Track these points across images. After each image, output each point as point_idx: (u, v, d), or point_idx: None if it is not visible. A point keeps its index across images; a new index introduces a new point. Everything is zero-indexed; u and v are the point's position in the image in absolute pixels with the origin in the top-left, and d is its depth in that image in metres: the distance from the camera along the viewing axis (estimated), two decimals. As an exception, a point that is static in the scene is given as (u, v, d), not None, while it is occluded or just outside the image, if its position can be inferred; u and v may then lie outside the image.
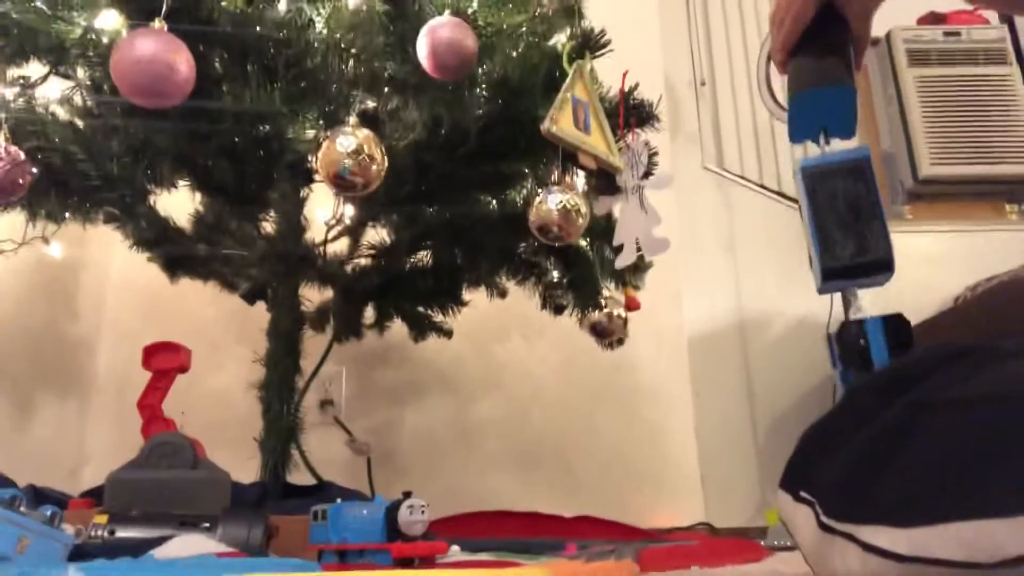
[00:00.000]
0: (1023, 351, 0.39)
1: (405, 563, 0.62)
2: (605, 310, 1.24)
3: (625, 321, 1.26)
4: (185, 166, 1.04)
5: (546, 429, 1.66)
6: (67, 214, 1.11)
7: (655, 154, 1.01)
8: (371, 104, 1.06)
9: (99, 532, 0.62)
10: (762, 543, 1.17)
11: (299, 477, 1.16)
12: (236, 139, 0.93)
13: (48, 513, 0.58)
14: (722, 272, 1.91)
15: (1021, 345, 0.40)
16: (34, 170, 0.90)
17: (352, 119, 0.85)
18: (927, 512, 0.36)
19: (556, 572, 0.55)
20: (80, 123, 0.98)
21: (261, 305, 1.24)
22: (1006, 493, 0.33)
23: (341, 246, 1.31)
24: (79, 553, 0.57)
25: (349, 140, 0.81)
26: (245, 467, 1.08)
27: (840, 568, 0.42)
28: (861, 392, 0.46)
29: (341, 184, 0.82)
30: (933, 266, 1.88)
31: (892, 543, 0.37)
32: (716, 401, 1.76)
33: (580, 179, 1.06)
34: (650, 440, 1.65)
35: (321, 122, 0.98)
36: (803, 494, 0.47)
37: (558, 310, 1.31)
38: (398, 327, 1.46)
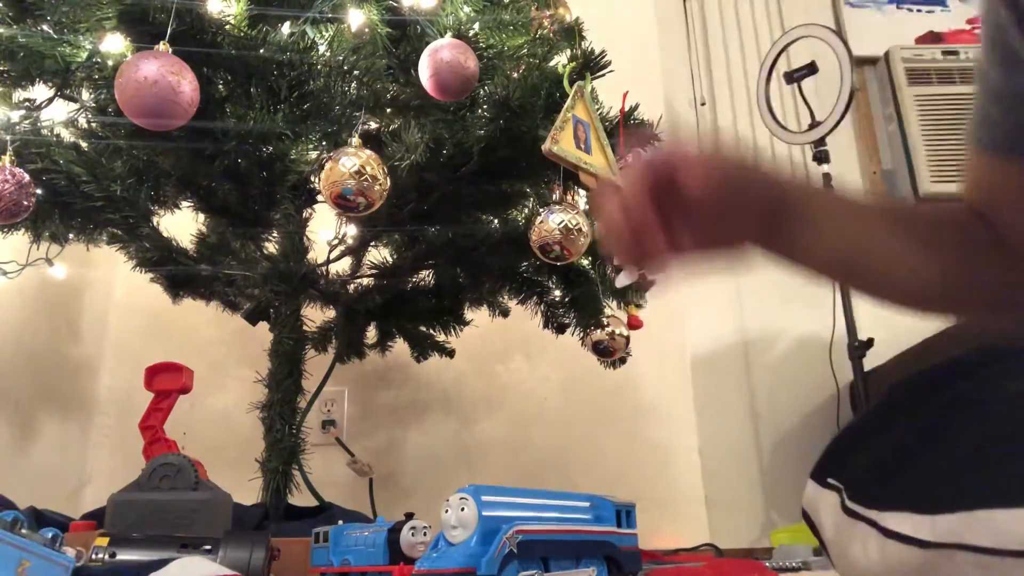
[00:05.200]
0: None
1: (408, 586, 0.61)
2: (607, 329, 1.24)
3: (627, 340, 1.26)
4: (188, 187, 1.05)
5: (548, 448, 1.65)
6: (71, 235, 1.12)
7: (656, 173, 1.01)
8: (373, 125, 1.07)
9: (100, 555, 0.61)
10: (767, 564, 1.16)
11: (301, 498, 1.15)
12: (239, 160, 0.94)
13: (49, 536, 0.58)
14: (724, 291, 1.91)
15: None
16: (39, 191, 0.90)
17: (354, 140, 0.86)
18: (957, 499, 0.35)
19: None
20: (84, 145, 0.98)
21: (263, 325, 1.24)
22: None
23: (343, 266, 1.31)
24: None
25: (351, 161, 0.81)
26: (247, 488, 1.07)
27: (860, 557, 0.41)
28: (901, 389, 0.45)
29: (343, 204, 0.83)
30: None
31: (915, 529, 0.37)
32: (720, 420, 1.76)
33: (582, 198, 1.06)
34: (654, 460, 1.64)
35: (323, 143, 0.99)
36: (831, 480, 0.47)
37: (560, 329, 1.31)
38: (400, 347, 1.45)
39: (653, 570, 0.73)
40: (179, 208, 1.14)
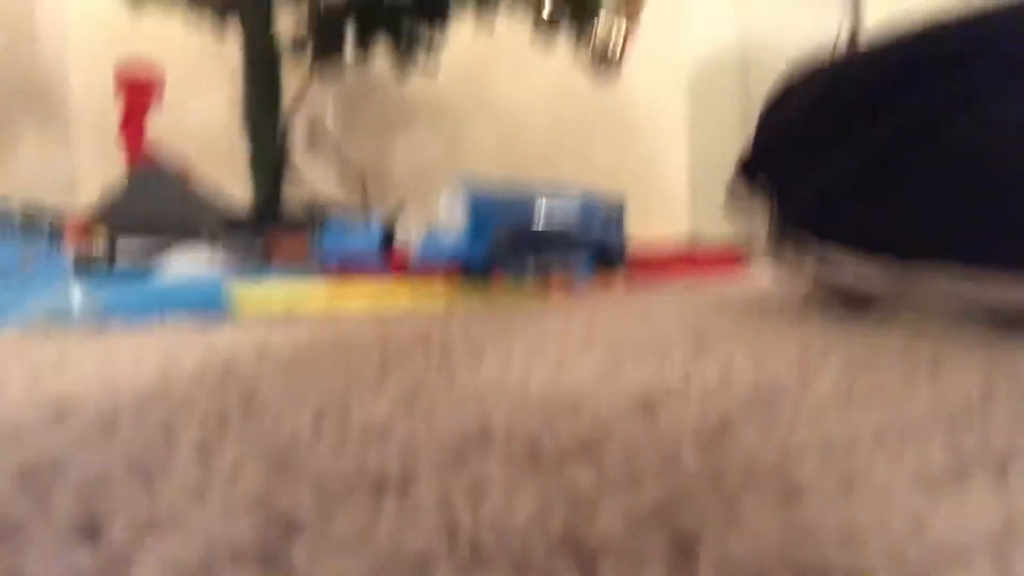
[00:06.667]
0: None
1: (404, 274, 0.64)
2: (602, 28, 1.15)
3: (623, 47, 1.18)
4: None
5: (537, 158, 1.65)
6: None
7: None
8: None
9: (99, 249, 0.63)
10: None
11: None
12: None
13: (47, 231, 0.59)
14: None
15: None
16: None
17: None
18: (914, 249, 0.34)
19: (553, 296, 0.56)
20: None
21: (236, 29, 1.15)
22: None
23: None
24: (81, 268, 0.58)
25: None
26: (237, 196, 1.07)
27: (794, 264, 0.42)
28: (842, 90, 0.40)
29: None
30: None
31: (863, 270, 0.37)
32: (712, 128, 1.73)
33: None
34: (642, 170, 1.65)
35: None
36: (761, 177, 0.46)
37: (552, 28, 1.22)
38: (383, 55, 1.37)
39: (638, 262, 0.76)
40: None
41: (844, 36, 1.56)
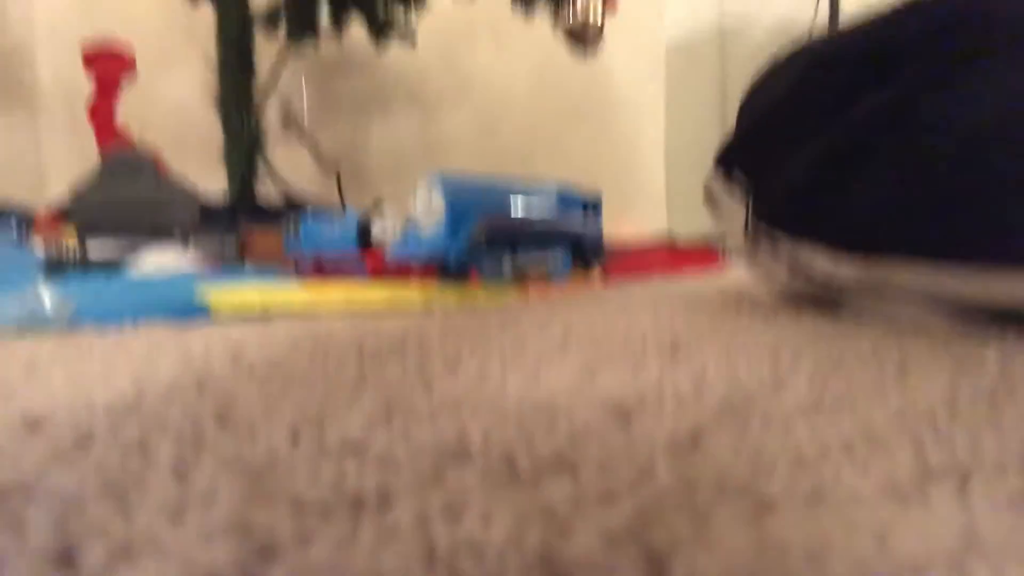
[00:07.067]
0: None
1: (380, 274, 0.64)
2: (580, 5, 1.15)
3: (601, 26, 1.18)
4: None
5: (515, 143, 1.64)
6: None
7: None
8: None
9: (69, 247, 0.62)
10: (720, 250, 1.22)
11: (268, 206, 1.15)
12: None
13: (14, 228, 0.57)
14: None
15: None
16: None
17: None
18: (881, 244, 0.33)
19: (530, 294, 0.57)
20: None
21: (208, 9, 1.13)
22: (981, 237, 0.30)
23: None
24: (51, 268, 0.57)
25: None
26: (210, 183, 1.06)
27: (768, 261, 0.42)
28: (821, 70, 0.38)
29: None
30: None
31: (832, 265, 0.36)
32: (689, 114, 1.73)
33: None
34: (619, 155, 1.65)
35: None
36: (738, 173, 0.45)
37: (528, 3, 1.21)
38: (358, 33, 1.35)
39: (615, 257, 0.76)
40: None
41: (822, 19, 1.57)
